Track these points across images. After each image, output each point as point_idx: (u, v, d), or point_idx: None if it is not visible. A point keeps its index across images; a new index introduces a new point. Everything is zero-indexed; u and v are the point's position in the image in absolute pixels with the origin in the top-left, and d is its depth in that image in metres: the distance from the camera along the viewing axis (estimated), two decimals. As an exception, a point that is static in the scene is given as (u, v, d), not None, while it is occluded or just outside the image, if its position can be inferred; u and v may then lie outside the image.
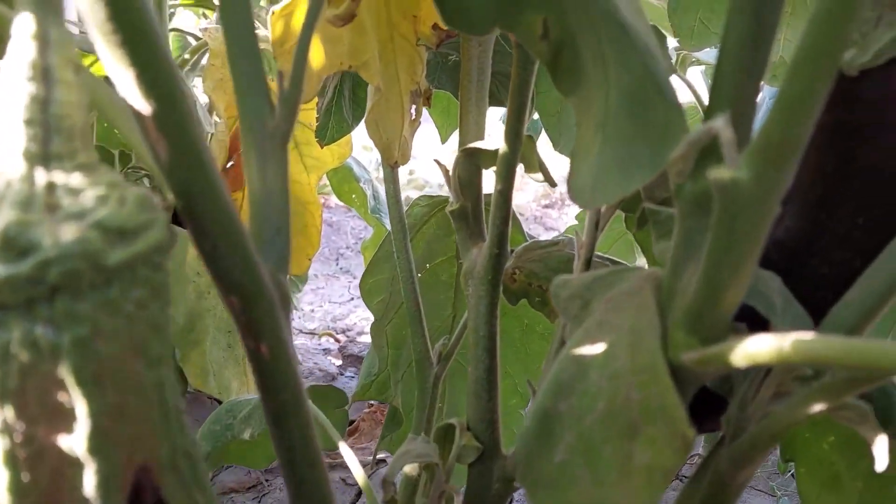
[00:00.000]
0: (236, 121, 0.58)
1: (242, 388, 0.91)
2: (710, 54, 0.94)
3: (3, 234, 0.19)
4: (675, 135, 0.25)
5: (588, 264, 0.41)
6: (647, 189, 0.37)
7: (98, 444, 0.20)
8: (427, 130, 0.95)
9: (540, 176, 0.44)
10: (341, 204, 1.49)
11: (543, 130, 0.72)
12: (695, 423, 0.34)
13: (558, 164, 0.60)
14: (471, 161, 0.46)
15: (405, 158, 0.50)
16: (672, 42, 0.73)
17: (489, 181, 0.45)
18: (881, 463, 0.25)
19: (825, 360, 0.22)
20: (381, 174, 0.66)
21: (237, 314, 0.25)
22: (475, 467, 0.43)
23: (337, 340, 1.71)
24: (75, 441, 0.20)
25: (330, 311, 1.99)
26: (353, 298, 2.11)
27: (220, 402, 0.78)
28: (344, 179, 1.09)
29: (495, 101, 0.59)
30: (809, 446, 0.46)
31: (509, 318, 0.74)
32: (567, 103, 0.45)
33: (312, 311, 2.02)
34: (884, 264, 0.29)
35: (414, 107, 0.50)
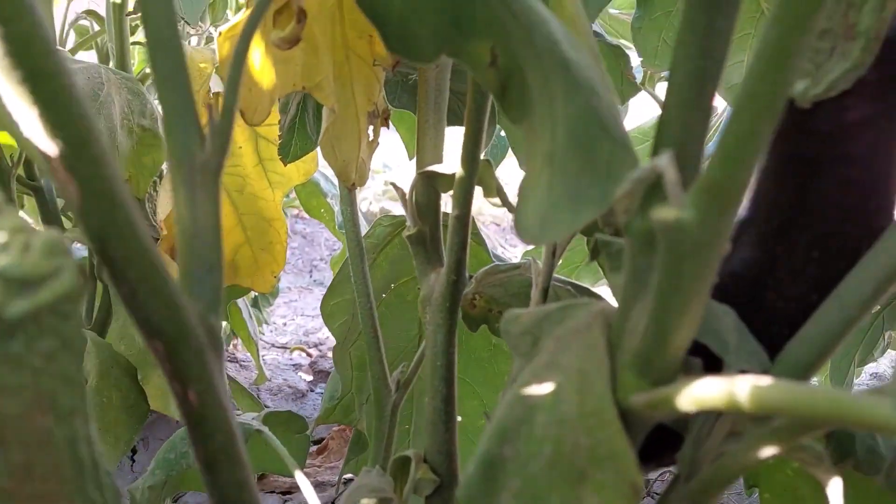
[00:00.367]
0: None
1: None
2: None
3: None
4: (621, 171, 0.24)
5: (545, 293, 0.40)
6: (605, 216, 0.36)
7: (-1, 508, 0.19)
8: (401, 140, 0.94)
9: (498, 200, 0.43)
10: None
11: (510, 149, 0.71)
12: (652, 457, 0.34)
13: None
14: (428, 184, 0.45)
15: (363, 180, 0.49)
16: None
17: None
18: (836, 507, 0.25)
19: (775, 408, 0.21)
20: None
21: (162, 360, 0.23)
22: (432, 500, 0.42)
23: (309, 355, 1.69)
24: (-27, 506, 0.19)
25: (302, 325, 1.97)
26: (326, 311, 2.08)
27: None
28: (312, 194, 1.08)
29: (457, 121, 0.58)
30: (773, 473, 0.46)
31: (477, 338, 0.73)
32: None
33: (285, 324, 2.00)
34: (838, 301, 0.28)
35: (371, 128, 0.48)
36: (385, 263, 0.65)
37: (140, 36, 1.00)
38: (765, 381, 0.21)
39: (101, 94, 0.79)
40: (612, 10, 1.05)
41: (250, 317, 1.19)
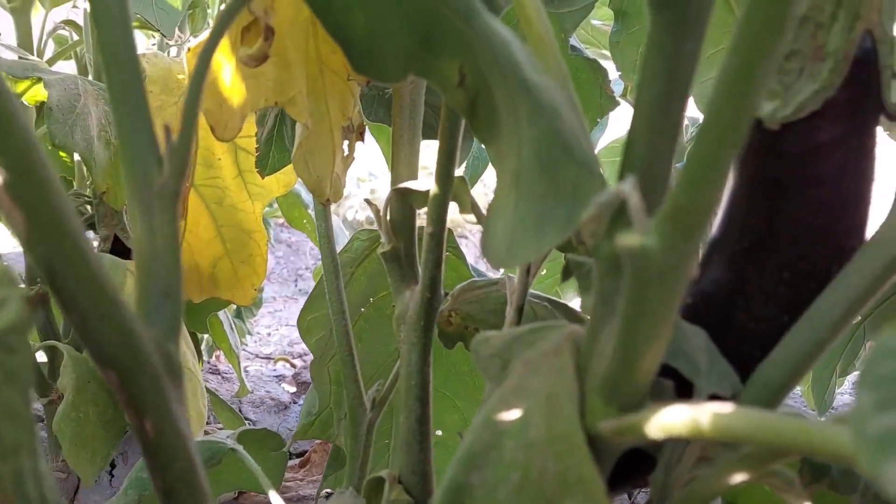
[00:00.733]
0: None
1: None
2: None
3: None
4: (587, 194, 0.23)
5: (520, 311, 0.39)
6: (577, 236, 0.36)
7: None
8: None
9: (473, 217, 0.43)
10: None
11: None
12: (625, 480, 0.33)
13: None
14: (403, 201, 0.44)
15: (337, 196, 0.48)
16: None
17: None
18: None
19: (739, 437, 0.21)
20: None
21: (116, 389, 0.23)
22: (407, 521, 0.42)
23: (293, 366, 1.68)
24: None
25: (287, 335, 1.95)
26: (310, 321, 2.07)
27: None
28: (293, 205, 1.07)
29: (433, 134, 0.57)
30: (751, 490, 0.45)
31: (457, 352, 0.72)
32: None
33: (269, 334, 1.98)
34: (809, 322, 0.28)
35: (346, 142, 0.48)
36: (363, 278, 0.65)
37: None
38: (729, 409, 0.21)
39: (77, 106, 0.78)
40: (594, 22, 1.05)
41: (232, 329, 1.18)
